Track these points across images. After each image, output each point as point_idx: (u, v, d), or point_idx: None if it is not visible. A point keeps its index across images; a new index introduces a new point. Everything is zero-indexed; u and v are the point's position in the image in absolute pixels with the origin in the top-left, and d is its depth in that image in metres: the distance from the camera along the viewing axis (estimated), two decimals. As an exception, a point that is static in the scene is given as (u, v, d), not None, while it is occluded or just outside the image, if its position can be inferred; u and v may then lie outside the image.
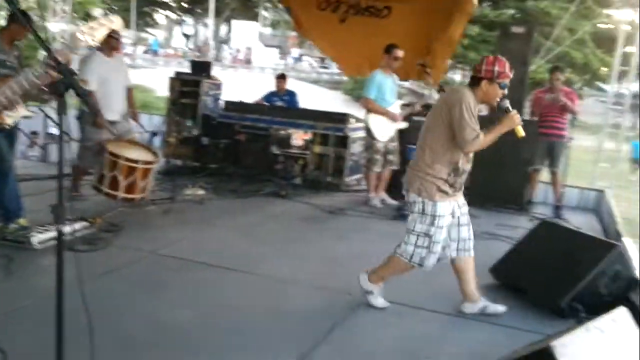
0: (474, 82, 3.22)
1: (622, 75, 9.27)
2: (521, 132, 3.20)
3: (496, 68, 3.15)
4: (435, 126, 3.23)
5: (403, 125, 6.25)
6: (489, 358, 2.97)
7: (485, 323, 3.46)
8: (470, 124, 3.11)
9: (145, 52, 41.32)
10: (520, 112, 6.50)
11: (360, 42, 7.66)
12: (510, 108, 3.24)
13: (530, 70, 7.08)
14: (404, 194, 3.42)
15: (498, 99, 3.21)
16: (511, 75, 3.25)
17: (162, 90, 24.75)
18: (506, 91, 3.23)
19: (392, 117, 6.10)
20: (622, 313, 2.70)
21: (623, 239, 4.74)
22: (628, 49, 9.36)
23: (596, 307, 3.31)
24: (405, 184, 3.36)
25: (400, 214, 5.82)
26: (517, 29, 6.68)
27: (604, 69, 23.59)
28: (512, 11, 23.30)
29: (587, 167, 8.57)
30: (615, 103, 11.44)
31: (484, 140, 3.15)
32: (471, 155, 3.31)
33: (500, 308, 3.45)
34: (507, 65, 3.20)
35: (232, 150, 7.21)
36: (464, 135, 3.11)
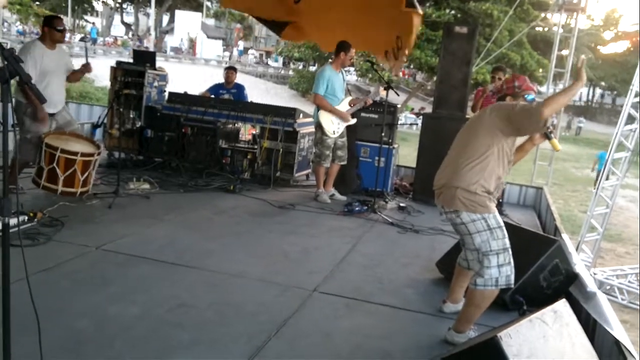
0: (502, 100, 3.21)
1: (557, 77, 9.67)
2: (557, 146, 3.14)
3: (516, 83, 3.24)
4: (477, 141, 3.06)
5: (353, 121, 6.31)
6: (436, 350, 3.05)
7: (432, 316, 3.55)
8: (517, 107, 2.97)
9: (83, 39, 39.76)
10: (462, 110, 6.77)
11: (319, 16, 7.56)
12: (552, 134, 3.13)
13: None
14: (447, 215, 3.16)
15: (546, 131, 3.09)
16: (534, 88, 3.28)
17: (101, 80, 24.06)
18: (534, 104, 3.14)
19: (342, 116, 6.15)
20: (562, 305, 2.84)
21: (562, 234, 4.96)
22: (563, 52, 9.81)
23: (537, 299, 3.47)
24: (449, 204, 3.10)
25: (349, 210, 5.89)
26: (461, 29, 6.83)
27: (540, 71, 24.62)
28: (454, 11, 23.91)
29: (527, 165, 8.92)
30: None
31: (555, 98, 2.92)
32: (507, 168, 3.13)
33: (472, 334, 3.17)
34: (526, 79, 3.27)
35: (178, 144, 7.05)
36: (521, 112, 2.94)
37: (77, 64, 5.40)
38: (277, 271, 4.04)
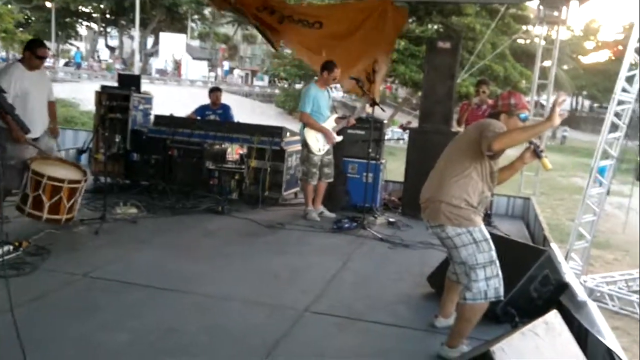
0: (495, 116, 3.16)
1: (540, 88, 9.80)
2: (548, 165, 3.14)
3: (512, 101, 3.14)
4: (461, 155, 3.09)
5: (339, 138, 6.33)
6: (430, 367, 3.04)
7: (424, 332, 3.53)
8: (496, 129, 2.95)
9: (67, 64, 39.72)
10: (447, 124, 6.82)
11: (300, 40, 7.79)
12: (543, 153, 3.14)
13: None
14: (433, 230, 3.16)
15: (533, 146, 3.09)
16: (529, 107, 3.27)
17: (86, 104, 24.01)
18: (527, 123, 3.18)
19: (328, 136, 6.17)
20: (553, 316, 2.84)
21: (550, 244, 4.98)
22: (546, 63, 9.94)
23: (529, 311, 3.46)
24: (434, 219, 3.11)
25: (338, 227, 5.88)
26: (444, 44, 6.91)
27: (523, 82, 24.91)
28: (436, 26, 24.15)
29: (514, 175, 8.97)
30: (536, 114, 12.08)
31: (508, 134, 2.92)
32: (492, 183, 3.15)
33: (465, 348, 3.14)
34: (522, 97, 3.23)
35: (164, 166, 7.02)
36: (487, 135, 2.92)
37: (61, 89, 5.38)
38: (267, 292, 4.01)
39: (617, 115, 10.58)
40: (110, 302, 3.62)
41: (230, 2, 7.63)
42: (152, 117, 7.46)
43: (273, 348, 3.13)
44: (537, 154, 3.10)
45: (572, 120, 51.89)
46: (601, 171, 10.88)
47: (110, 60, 45.44)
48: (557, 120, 2.81)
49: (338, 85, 27.89)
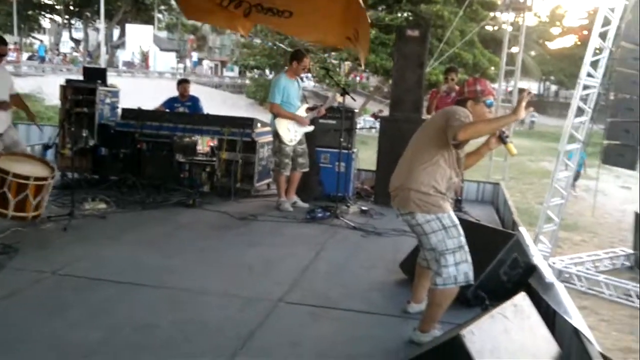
0: (462, 103, 3.17)
1: (508, 74, 9.94)
2: (513, 151, 3.17)
3: (478, 87, 3.15)
4: (428, 142, 3.11)
5: (310, 128, 6.33)
6: (403, 351, 3.08)
7: (397, 318, 3.57)
8: (461, 118, 2.97)
9: (30, 58, 38.68)
10: (418, 112, 6.87)
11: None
12: (508, 138, 3.16)
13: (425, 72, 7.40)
14: (403, 217, 3.20)
15: (499, 132, 3.11)
16: (494, 93, 3.26)
17: (51, 99, 23.45)
18: (493, 109, 3.23)
19: (300, 121, 6.16)
20: (522, 298, 2.90)
21: (519, 228, 5.07)
22: (513, 49, 10.09)
23: (498, 293, 3.53)
24: (404, 206, 3.14)
25: (312, 217, 5.89)
26: (413, 32, 6.95)
27: (492, 69, 25.23)
28: (406, 14, 24.26)
29: (483, 161, 9.12)
30: (504, 100, 12.26)
31: (474, 124, 2.95)
32: (458, 170, 3.19)
33: (437, 332, 3.19)
34: (488, 83, 3.24)
35: (133, 160, 6.91)
36: (453, 125, 2.94)
37: (25, 84, 5.25)
38: (241, 284, 4.00)
39: (583, 99, 10.81)
40: (81, 299, 3.57)
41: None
42: (119, 111, 7.33)
43: (248, 339, 3.13)
44: (502, 139, 3.14)
45: (540, 105, 52.78)
46: (570, 156, 11.12)
47: (75, 54, 44.42)
48: (523, 114, 2.87)
49: (309, 75, 27.87)
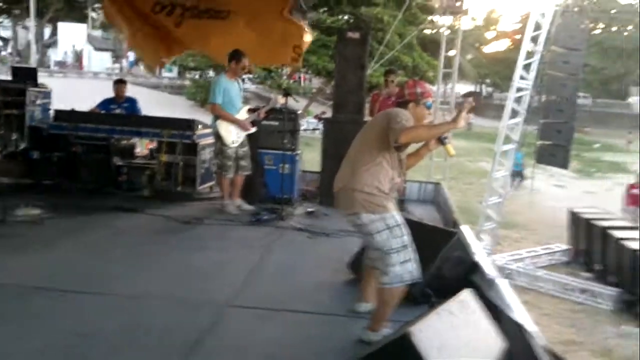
0: (402, 106, 3.22)
1: (446, 77, 10.20)
2: (452, 152, 3.24)
3: (418, 90, 3.20)
4: (371, 144, 3.15)
5: (252, 130, 6.25)
6: (352, 351, 3.08)
7: (346, 317, 3.58)
8: (403, 121, 3.02)
9: (-45, 57, 36.58)
10: (360, 114, 6.93)
11: (198, 42, 7.60)
12: (447, 140, 3.23)
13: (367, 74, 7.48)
14: (348, 218, 3.21)
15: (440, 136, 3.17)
16: (432, 94, 3.33)
17: (-22, 100, 22.26)
18: (431, 110, 3.32)
19: (241, 126, 6.07)
20: (467, 294, 2.97)
21: (461, 226, 5.19)
22: (450, 52, 10.37)
23: (444, 290, 3.59)
24: (348, 207, 3.16)
25: (257, 219, 5.83)
26: (353, 34, 7.00)
27: (431, 72, 25.82)
28: (347, 17, 24.49)
29: (424, 161, 9.30)
30: (443, 102, 12.57)
31: (415, 129, 3.03)
32: (400, 170, 3.25)
33: (387, 331, 3.20)
34: (427, 85, 3.29)
35: (68, 164, 6.63)
36: (394, 127, 3.00)
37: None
38: (187, 289, 3.90)
39: (516, 101, 11.24)
40: (17, 309, 3.38)
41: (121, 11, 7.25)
42: (52, 112, 7.02)
43: (196, 344, 3.06)
44: (441, 140, 3.23)
45: (477, 107, 54.53)
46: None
47: (3, 53, 42.34)
48: (462, 123, 2.97)
49: (250, 76, 27.68)
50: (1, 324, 3.17)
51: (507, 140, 11.43)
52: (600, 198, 17.95)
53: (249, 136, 6.25)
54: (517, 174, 18.17)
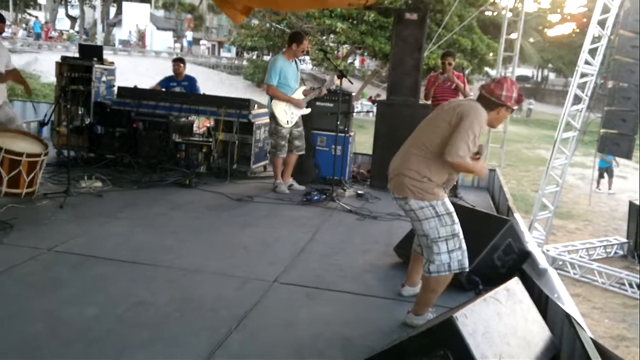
0: (490, 106, 3.02)
1: (507, 60, 9.90)
2: (469, 176, 3.23)
3: (514, 94, 3.01)
4: (438, 132, 3.02)
5: (307, 111, 6.30)
6: (396, 333, 3.10)
7: (391, 300, 3.60)
8: (470, 141, 2.90)
9: (27, 35, 38.23)
10: (415, 96, 6.86)
11: None
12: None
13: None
14: (397, 202, 3.18)
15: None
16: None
17: (47, 76, 23.26)
18: None
19: (296, 104, 6.13)
20: (515, 283, 2.93)
21: (514, 214, 5.09)
22: (512, 35, 10.04)
23: (492, 278, 3.56)
24: (398, 191, 3.12)
25: (307, 199, 5.90)
26: (411, 16, 6.90)
27: (490, 55, 25.10)
28: (405, -3, 24.00)
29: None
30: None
31: (466, 164, 2.94)
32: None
33: (431, 315, 3.22)
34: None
35: (129, 139, 6.90)
36: (459, 146, 2.88)
37: (20, 59, 5.21)
38: (236, 264, 4.01)
39: (580, 87, 10.80)
40: (76, 276, 3.58)
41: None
42: (115, 89, 7.29)
43: (243, 318, 3.15)
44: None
45: (538, 93, 52.72)
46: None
47: (71, 31, 43.93)
48: (484, 172, 3.15)
49: (307, 58, 27.67)
50: (59, 289, 3.36)
51: (569, 127, 11.03)
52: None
53: (303, 117, 6.31)
54: (605, 171, 17.17)
